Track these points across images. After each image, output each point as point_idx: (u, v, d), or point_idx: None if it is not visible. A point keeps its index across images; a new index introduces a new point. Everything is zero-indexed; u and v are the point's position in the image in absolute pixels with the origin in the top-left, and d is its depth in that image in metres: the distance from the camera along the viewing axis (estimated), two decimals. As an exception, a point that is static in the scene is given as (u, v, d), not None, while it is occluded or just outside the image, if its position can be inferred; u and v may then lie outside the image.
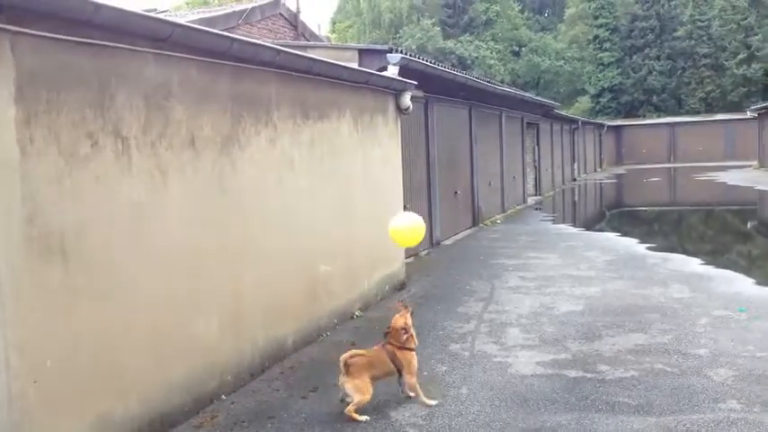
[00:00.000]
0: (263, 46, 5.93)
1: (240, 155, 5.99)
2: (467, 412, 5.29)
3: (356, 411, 5.22)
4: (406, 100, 9.62)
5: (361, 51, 10.48)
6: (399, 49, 10.41)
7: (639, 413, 5.13)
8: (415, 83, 9.75)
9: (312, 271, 7.25)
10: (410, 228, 5.82)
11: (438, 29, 57.62)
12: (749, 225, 19.00)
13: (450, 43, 56.39)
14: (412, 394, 5.54)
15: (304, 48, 10.65)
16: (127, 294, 4.62)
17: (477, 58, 55.58)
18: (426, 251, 12.91)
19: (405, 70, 10.21)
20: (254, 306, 6.16)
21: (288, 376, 6.25)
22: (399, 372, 5.48)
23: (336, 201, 7.82)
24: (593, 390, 5.63)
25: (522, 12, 66.10)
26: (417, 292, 9.67)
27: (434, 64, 12.57)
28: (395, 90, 9.49)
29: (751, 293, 8.92)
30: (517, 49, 62.67)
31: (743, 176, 33.57)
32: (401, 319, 5.54)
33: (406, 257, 11.69)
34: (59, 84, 4.09)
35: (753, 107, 40.49)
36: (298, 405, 5.57)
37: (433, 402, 5.48)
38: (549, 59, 60.80)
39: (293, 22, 17.98)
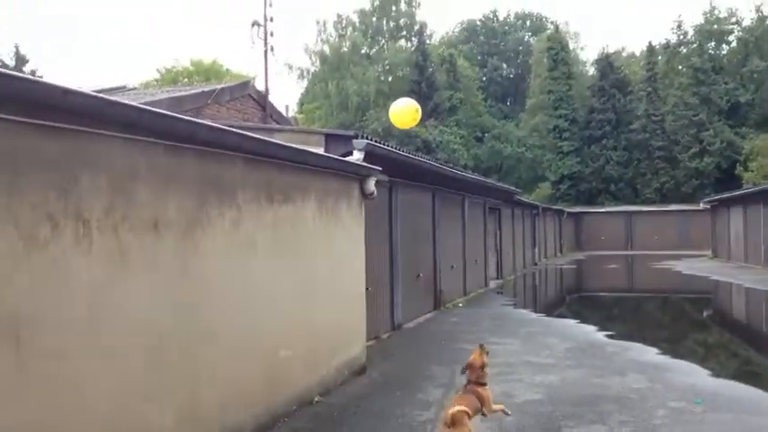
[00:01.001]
0: (230, 132, 6.04)
1: (203, 237, 5.98)
2: (425, 506, 5.18)
3: None
4: (371, 185, 9.78)
5: (328, 136, 10.67)
6: (365, 134, 10.64)
7: None
8: (380, 168, 9.94)
9: (272, 355, 7.15)
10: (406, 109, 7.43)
11: (404, 113, 58.96)
12: (704, 314, 19.36)
13: (415, 127, 57.64)
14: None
15: (271, 131, 10.83)
16: (80, 383, 4.49)
17: (441, 142, 56.75)
18: (388, 334, 12.83)
19: (370, 155, 10.42)
20: (211, 394, 6.02)
21: (241, 465, 6.06)
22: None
23: (298, 284, 7.80)
24: (552, 484, 5.57)
25: (485, 100, 68.23)
26: (377, 377, 9.55)
27: (399, 149, 12.84)
28: (359, 175, 9.66)
29: (706, 385, 9.02)
30: (480, 135, 64.33)
31: (698, 266, 34.35)
32: (479, 358, 6.22)
33: (369, 339, 11.62)
34: (21, 165, 4.08)
35: (705, 199, 41.92)
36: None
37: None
38: (511, 146, 62.48)
39: (261, 102, 18.29)
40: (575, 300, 23.30)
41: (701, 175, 52.72)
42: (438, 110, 62.72)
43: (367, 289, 11.53)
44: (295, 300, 7.69)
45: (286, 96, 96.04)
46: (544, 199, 52.64)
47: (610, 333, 13.53)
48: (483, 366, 6.19)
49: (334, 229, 8.86)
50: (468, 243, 20.46)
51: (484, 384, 6.18)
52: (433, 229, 16.87)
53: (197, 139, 5.73)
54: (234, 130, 6.20)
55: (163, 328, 5.39)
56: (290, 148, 7.18)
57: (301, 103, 69.06)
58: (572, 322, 15.53)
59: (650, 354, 11.30)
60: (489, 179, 28.03)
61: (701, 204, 42.16)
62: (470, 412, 5.83)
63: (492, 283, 24.03)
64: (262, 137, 6.59)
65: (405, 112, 7.35)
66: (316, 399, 8.05)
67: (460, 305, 17.97)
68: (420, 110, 7.31)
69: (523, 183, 56.83)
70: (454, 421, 5.65)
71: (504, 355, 10.94)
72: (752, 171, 45.51)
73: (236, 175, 6.57)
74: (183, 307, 5.67)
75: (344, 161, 8.92)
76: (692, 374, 9.71)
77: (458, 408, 5.76)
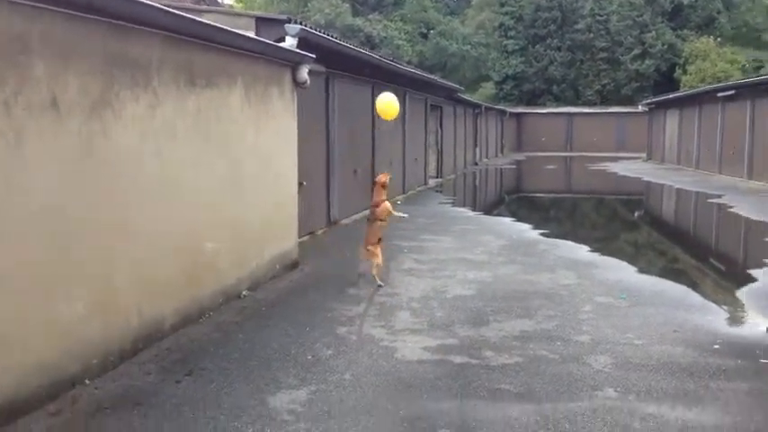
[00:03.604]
0: (144, 4, 5.46)
1: (114, 121, 5.52)
2: (348, 398, 5.11)
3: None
4: (303, 73, 9.28)
5: (259, 20, 10.01)
6: (299, 20, 10.02)
7: (520, 401, 5.10)
8: (314, 56, 9.41)
9: (196, 248, 6.86)
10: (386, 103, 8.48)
11: (347, 5, 56.85)
12: (635, 215, 19.86)
13: (358, 21, 55.81)
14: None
15: (198, 12, 10.08)
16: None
17: (385, 37, 55.30)
18: (323, 230, 12.66)
19: (304, 43, 9.85)
20: (127, 285, 5.74)
21: (162, 359, 5.87)
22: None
23: (225, 174, 7.43)
24: (476, 376, 5.57)
25: (431, -6, 66.39)
26: (310, 272, 9.42)
27: (338, 39, 12.23)
28: (291, 62, 9.14)
29: (632, 281, 9.20)
30: (425, 31, 62.85)
31: (633, 168, 35.13)
32: (384, 178, 8.73)
33: (303, 235, 11.42)
34: None
35: (644, 102, 42.44)
36: (169, 390, 5.23)
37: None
38: (457, 44, 61.36)
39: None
40: (512, 199, 23.56)
41: (641, 77, 53.12)
42: (382, 3, 60.87)
43: (301, 183, 11.22)
44: (221, 192, 7.34)
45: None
46: (487, 99, 52.43)
47: (543, 231, 13.68)
48: (384, 185, 8.64)
49: (264, 119, 8.42)
50: (408, 140, 20.18)
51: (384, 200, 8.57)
52: (372, 125, 16.48)
53: (104, 10, 5.17)
54: (149, 2, 5.62)
55: (70, 214, 5.02)
56: (213, 26, 6.63)
57: (238, -8, 65.83)
58: (508, 221, 15.66)
59: (581, 251, 11.47)
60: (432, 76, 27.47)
61: (640, 107, 42.72)
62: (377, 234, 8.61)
63: (431, 182, 24.01)
64: (183, 13, 6.01)
65: (390, 107, 8.52)
66: (244, 293, 7.87)
67: (399, 203, 17.84)
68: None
69: (467, 81, 56.21)
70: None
71: (438, 252, 10.95)
72: (690, 74, 46.07)
73: (153, 54, 6.03)
74: (93, 194, 5.28)
75: (274, 45, 8.37)
76: (620, 271, 9.90)
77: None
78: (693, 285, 9.28)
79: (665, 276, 9.75)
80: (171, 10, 5.86)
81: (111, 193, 5.52)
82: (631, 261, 10.82)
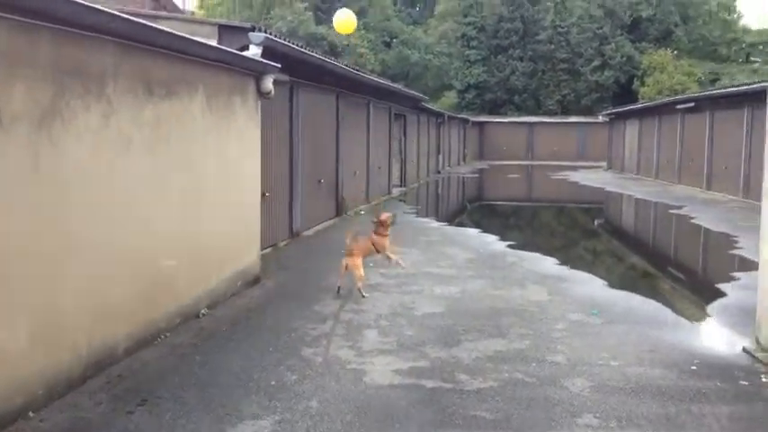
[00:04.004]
0: (95, 9, 5.09)
1: (64, 133, 5.14)
2: (315, 429, 4.80)
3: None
4: (268, 83, 8.95)
5: (222, 27, 9.66)
6: (263, 28, 9.69)
7: (497, 428, 4.85)
8: (279, 65, 9.09)
9: (151, 267, 6.47)
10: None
11: (310, 14, 56.53)
12: (597, 225, 19.90)
13: (322, 29, 55.47)
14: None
15: (156, 18, 9.69)
16: None
17: (348, 45, 55.07)
18: (285, 242, 12.30)
19: (269, 52, 9.53)
20: (75, 310, 5.34)
21: (114, 387, 5.48)
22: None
23: (184, 187, 7.05)
24: (450, 402, 5.30)
25: (394, 3, 66.31)
26: (272, 287, 9.06)
27: (303, 48, 11.92)
28: (256, 72, 8.81)
29: (602, 296, 9.05)
30: (389, 40, 62.82)
31: (593, 177, 35.45)
32: (388, 219, 9.04)
33: (265, 247, 11.06)
34: None
35: (604, 112, 43.00)
36: (121, 421, 4.85)
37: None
38: (419, 53, 61.42)
39: (157, -5, 16.73)
40: (476, 209, 23.48)
41: (601, 88, 53.88)
42: (345, 11, 60.58)
43: (264, 195, 10.88)
44: (180, 205, 6.97)
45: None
46: (450, 107, 52.51)
47: (510, 243, 13.53)
48: (388, 226, 8.99)
49: (227, 130, 8.07)
50: (372, 149, 19.93)
51: (384, 235, 8.95)
52: (336, 134, 16.17)
53: (52, 16, 4.79)
54: (101, 8, 5.25)
55: (11, 236, 4.62)
56: (170, 34, 6.27)
57: (201, 1, 65.02)
58: (473, 232, 15.48)
59: (548, 263, 11.32)
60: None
61: (600, 117, 43.24)
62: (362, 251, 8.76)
63: (395, 191, 23.78)
64: (137, 19, 5.65)
65: (347, 22, 9.42)
66: (203, 312, 7.48)
67: (362, 212, 17.58)
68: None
69: (430, 90, 56.19)
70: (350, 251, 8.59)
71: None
72: (648, 86, 46.81)
73: (107, 62, 5.66)
74: (39, 212, 4.89)
75: (238, 54, 8.03)
76: (589, 285, 9.76)
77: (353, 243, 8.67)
78: (664, 300, 9.17)
79: (635, 291, 9.62)
80: (124, 16, 5.49)
81: (58, 211, 5.13)
82: (599, 274, 10.68)
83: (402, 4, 69.44)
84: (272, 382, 5.67)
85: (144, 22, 5.74)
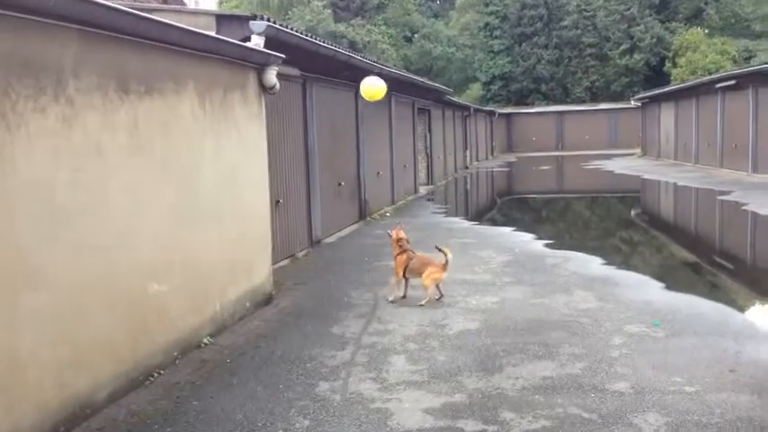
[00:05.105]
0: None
1: (11, 141, 4.22)
2: (328, 500, 3.81)
3: None
4: (271, 77, 7.98)
5: (220, 17, 8.72)
6: (266, 16, 8.72)
7: (558, 492, 3.82)
8: (282, 56, 8.11)
9: (137, 294, 5.54)
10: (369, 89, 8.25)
11: (329, 11, 55.64)
12: (643, 217, 18.54)
13: (341, 27, 54.58)
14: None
15: (150, 10, 8.78)
16: None
17: (368, 42, 54.07)
18: (304, 252, 11.33)
19: (273, 41, 8.58)
20: (38, 352, 4.42)
21: (91, 445, 4.56)
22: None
23: (173, 201, 6.11)
24: (496, 454, 4.29)
25: (414, -3, 65.16)
26: (286, 306, 8.09)
27: (313, 37, 10.92)
28: (256, 64, 7.84)
29: (662, 301, 7.92)
30: (410, 34, 61.68)
31: (628, 165, 34.01)
32: (395, 234, 8.38)
33: (281, 259, 10.14)
34: None
35: (636, 97, 41.42)
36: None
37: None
38: (441, 46, 60.20)
39: (163, -7, 15.84)
40: (508, 204, 22.35)
41: (630, 72, 52.20)
42: (365, 8, 59.66)
43: (277, 202, 9.97)
44: (168, 222, 6.02)
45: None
46: (475, 100, 51.36)
47: (548, 242, 12.42)
48: (398, 240, 8.26)
49: (225, 132, 7.11)
50: (395, 147, 18.89)
51: (399, 254, 8.17)
52: (356, 132, 15.19)
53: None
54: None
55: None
56: (146, 19, 5.33)
57: (220, 2, 64.62)
58: (507, 230, 14.32)
59: (594, 264, 10.20)
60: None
61: (632, 101, 41.73)
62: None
63: (422, 189, 22.72)
64: (101, 1, 4.71)
65: (375, 89, 8.26)
66: (205, 341, 6.54)
67: (388, 215, 16.59)
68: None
69: (454, 84, 55.00)
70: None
71: (435, 273, 9.62)
72: (680, 67, 45.11)
73: (66, 54, 4.74)
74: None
75: (232, 43, 7.06)
76: (644, 288, 8.64)
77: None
78: (733, 304, 8.04)
79: (697, 293, 8.50)
80: (85, -3, 4.56)
81: (13, 235, 4.22)
82: (654, 275, 9.55)
83: (422, -3, 68.19)
84: (280, 431, 4.71)
85: (110, 4, 4.79)
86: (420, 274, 7.99)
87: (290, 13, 55.09)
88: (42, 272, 4.45)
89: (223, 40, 6.86)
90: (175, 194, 6.11)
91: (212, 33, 7.66)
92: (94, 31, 4.98)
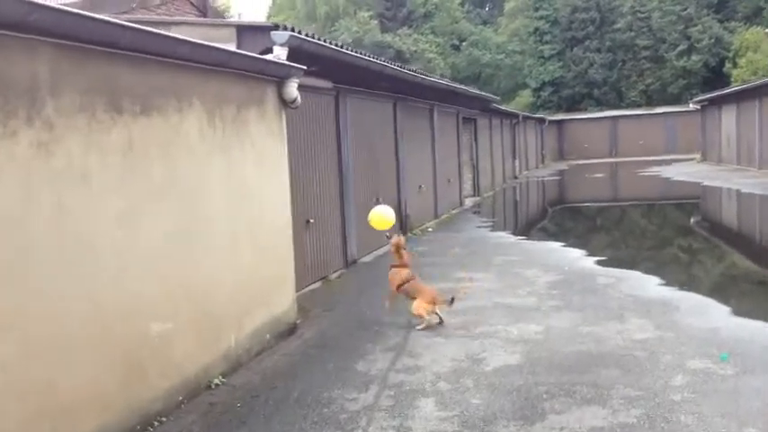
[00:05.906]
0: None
1: (-28, 171, 3.73)
2: None
3: None
4: (292, 90, 7.41)
5: (240, 29, 8.26)
6: (289, 26, 8.20)
7: None
8: (303, 67, 7.54)
9: (133, 334, 5.00)
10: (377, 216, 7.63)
11: (375, 22, 55.38)
12: (705, 228, 17.29)
13: (388, 37, 54.20)
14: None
15: (167, 24, 8.37)
16: None
17: (415, 51, 53.54)
18: (338, 273, 10.74)
19: (301, 54, 8.05)
20: (12, 413, 3.91)
21: None
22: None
23: (177, 229, 5.57)
24: None
25: (462, 5, 64.28)
26: (311, 337, 7.48)
27: (344, 48, 10.36)
28: (275, 77, 7.29)
29: (730, 330, 7.03)
30: (457, 42, 60.92)
31: (687, 171, 32.48)
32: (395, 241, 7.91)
33: (312, 282, 9.59)
34: None
35: (695, 99, 39.69)
36: None
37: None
38: (490, 53, 59.24)
39: (202, 9, 15.54)
40: (559, 215, 21.35)
41: (688, 74, 50.30)
42: (412, 17, 59.25)
43: (307, 221, 9.42)
44: (172, 253, 5.48)
45: (254, 9, 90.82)
46: (525, 107, 50.24)
47: (600, 258, 11.54)
48: (397, 249, 7.85)
49: (238, 151, 6.57)
50: (438, 159, 18.19)
51: (399, 267, 7.80)
52: (395, 146, 14.57)
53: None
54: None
55: None
56: (139, 30, 4.80)
57: (268, 17, 65.12)
58: (556, 245, 13.43)
59: (651, 285, 9.31)
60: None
61: (690, 105, 40.01)
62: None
63: (468, 202, 21.93)
64: (77, 10, 4.21)
65: (382, 218, 7.68)
66: (216, 381, 5.97)
67: (430, 230, 15.90)
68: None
69: (503, 91, 53.99)
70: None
71: (475, 297, 8.90)
72: (741, 67, 43.17)
73: (41, 70, 4.24)
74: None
75: (245, 56, 6.52)
76: (709, 313, 7.75)
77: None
78: (814, 333, 7.07)
79: (770, 319, 7.56)
80: (59, 7, 4.06)
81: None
82: (719, 297, 8.61)
83: (470, 4, 67.36)
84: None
85: (88, 14, 4.28)
86: (412, 299, 7.62)
87: (336, 24, 55.08)
88: (7, 321, 3.93)
89: (234, 53, 6.33)
90: (178, 220, 5.57)
91: (221, 45, 7.10)
92: (78, 45, 4.48)
